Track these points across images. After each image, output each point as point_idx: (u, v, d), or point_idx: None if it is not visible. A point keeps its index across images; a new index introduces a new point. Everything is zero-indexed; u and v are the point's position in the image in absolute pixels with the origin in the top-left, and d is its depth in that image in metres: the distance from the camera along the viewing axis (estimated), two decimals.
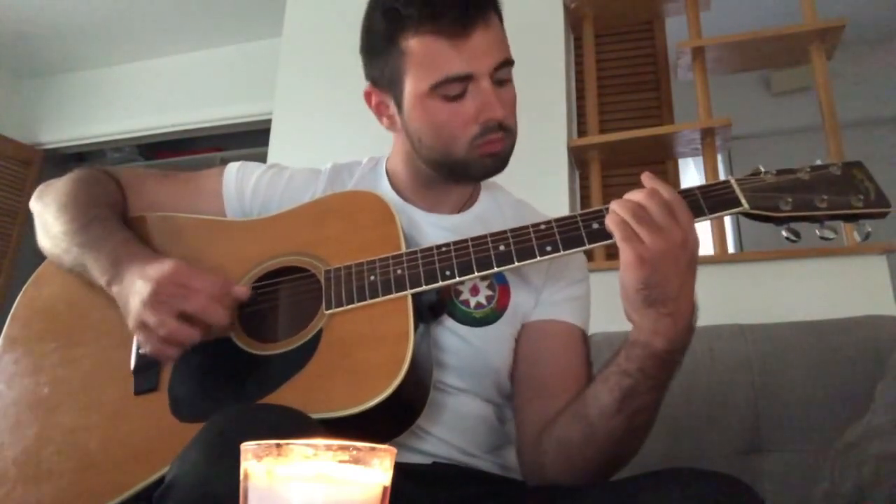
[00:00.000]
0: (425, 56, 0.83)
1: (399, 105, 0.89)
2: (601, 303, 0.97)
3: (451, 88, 0.83)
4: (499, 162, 0.89)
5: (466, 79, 0.83)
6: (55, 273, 0.96)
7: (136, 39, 3.38)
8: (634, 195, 0.73)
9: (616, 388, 0.74)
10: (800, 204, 0.75)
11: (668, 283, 0.71)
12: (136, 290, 0.79)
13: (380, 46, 0.88)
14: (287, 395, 0.75)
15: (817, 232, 0.76)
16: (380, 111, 0.94)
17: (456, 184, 0.95)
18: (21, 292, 0.98)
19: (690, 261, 0.72)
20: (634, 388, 0.73)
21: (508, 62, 0.86)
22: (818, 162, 0.77)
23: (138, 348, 0.86)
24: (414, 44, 0.83)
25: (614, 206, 0.74)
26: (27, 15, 3.18)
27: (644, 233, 0.70)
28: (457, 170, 0.89)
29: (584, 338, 0.93)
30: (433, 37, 0.81)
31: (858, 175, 0.75)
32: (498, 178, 1.05)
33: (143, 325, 0.79)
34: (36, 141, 3.60)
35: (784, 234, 0.76)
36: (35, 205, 0.99)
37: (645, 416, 0.75)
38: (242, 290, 0.83)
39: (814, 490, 1.04)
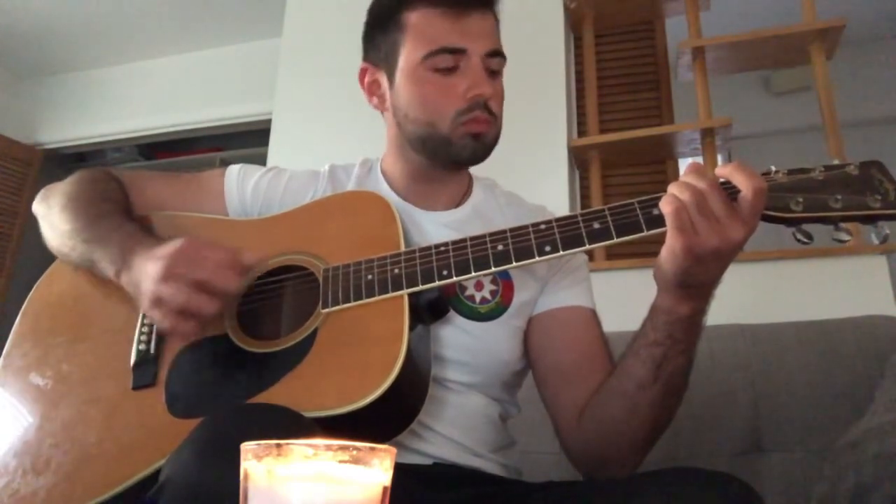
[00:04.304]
0: (424, 27, 0.86)
1: (391, 80, 0.92)
2: (602, 303, 0.97)
3: (443, 60, 0.86)
4: (481, 146, 0.90)
5: (459, 53, 0.86)
6: (65, 270, 0.97)
7: (136, 39, 3.38)
8: (699, 181, 0.69)
9: (649, 359, 0.76)
10: (812, 204, 0.70)
11: (708, 274, 0.71)
12: (146, 271, 0.79)
13: (382, 22, 0.92)
14: (280, 393, 0.75)
15: (833, 235, 0.72)
16: (371, 90, 0.97)
17: (444, 169, 0.95)
18: (33, 288, 0.99)
19: (735, 254, 0.70)
20: (666, 354, 0.75)
21: (501, 54, 0.89)
22: (835, 161, 0.72)
23: (139, 343, 0.86)
24: (414, 17, 0.87)
25: (674, 189, 0.69)
26: (27, 15, 3.18)
27: (702, 225, 0.67)
28: (440, 150, 0.90)
29: (596, 317, 0.95)
30: (433, 10, 0.85)
31: (876, 174, 0.71)
32: (498, 177, 1.06)
33: (157, 301, 0.78)
34: (36, 141, 3.60)
35: (797, 236, 0.72)
36: (39, 207, 1.00)
37: (679, 380, 0.77)
38: (251, 256, 0.83)
39: (813, 490, 1.04)
